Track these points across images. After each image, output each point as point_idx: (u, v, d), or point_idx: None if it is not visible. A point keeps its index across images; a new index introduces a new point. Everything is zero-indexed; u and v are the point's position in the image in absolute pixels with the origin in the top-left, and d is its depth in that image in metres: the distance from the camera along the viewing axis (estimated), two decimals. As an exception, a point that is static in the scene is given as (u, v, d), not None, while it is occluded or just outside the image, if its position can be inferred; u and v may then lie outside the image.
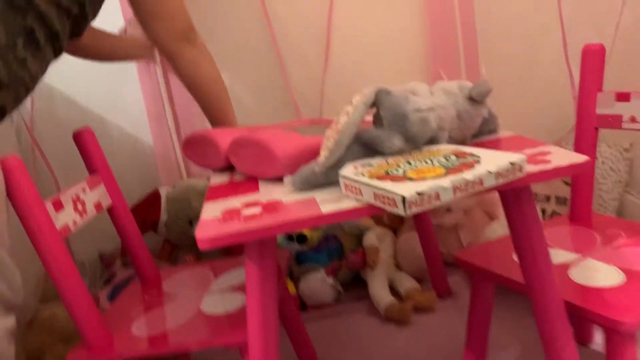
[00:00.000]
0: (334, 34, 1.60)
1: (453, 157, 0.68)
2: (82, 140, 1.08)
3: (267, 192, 0.76)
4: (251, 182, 0.84)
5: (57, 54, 0.94)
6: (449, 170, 0.63)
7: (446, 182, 0.60)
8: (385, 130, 0.75)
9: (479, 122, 0.86)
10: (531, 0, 1.62)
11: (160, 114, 1.58)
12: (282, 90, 1.62)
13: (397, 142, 0.73)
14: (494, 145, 0.84)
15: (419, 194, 0.58)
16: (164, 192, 1.56)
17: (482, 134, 0.89)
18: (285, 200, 0.70)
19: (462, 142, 0.84)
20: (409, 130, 0.74)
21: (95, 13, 1.00)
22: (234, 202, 0.74)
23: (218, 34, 1.52)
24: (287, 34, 1.59)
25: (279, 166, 0.79)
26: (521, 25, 1.63)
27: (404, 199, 0.57)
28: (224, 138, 0.93)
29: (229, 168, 0.95)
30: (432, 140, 0.78)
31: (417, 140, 0.75)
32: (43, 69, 0.90)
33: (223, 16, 1.53)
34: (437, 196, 0.59)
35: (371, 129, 0.76)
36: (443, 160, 0.68)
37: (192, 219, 1.49)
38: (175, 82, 1.56)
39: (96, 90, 1.57)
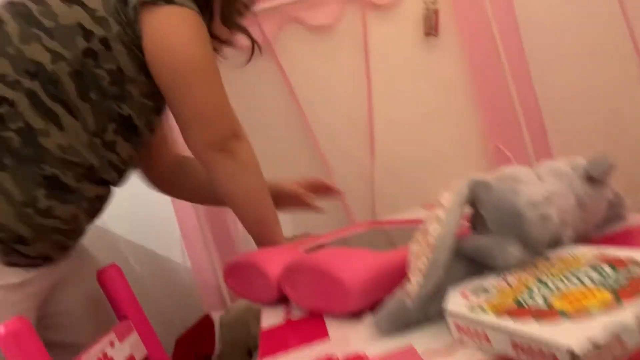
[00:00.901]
0: (377, 121, 1.47)
1: (607, 268, 0.47)
2: (108, 281, 0.91)
3: (342, 339, 0.56)
4: (316, 322, 0.64)
5: (107, 183, 0.88)
6: (619, 292, 0.42)
7: (627, 317, 0.38)
8: (493, 236, 0.55)
9: (604, 208, 0.66)
10: (598, 49, 1.44)
11: (195, 231, 1.43)
12: (328, 190, 1.45)
13: (514, 251, 0.53)
14: (635, 238, 0.62)
15: (594, 344, 0.37)
16: (216, 317, 1.36)
17: (608, 222, 0.68)
18: (371, 352, 0.50)
19: (586, 237, 0.64)
20: (526, 234, 0.54)
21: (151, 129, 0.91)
22: (300, 358, 0.54)
23: (252, 138, 1.39)
24: (326, 128, 1.45)
25: (350, 299, 0.59)
26: (590, 79, 1.45)
27: (572, 354, 0.36)
28: (273, 264, 0.75)
29: (283, 299, 0.76)
30: (555, 241, 0.58)
31: (538, 246, 0.55)
32: (89, 205, 0.85)
33: (257, 117, 1.41)
34: (620, 342, 0.38)
35: (473, 236, 0.57)
36: (595, 274, 0.47)
37: (252, 348, 1.28)
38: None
39: (122, 212, 1.43)
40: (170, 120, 1.03)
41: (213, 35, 0.92)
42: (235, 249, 1.42)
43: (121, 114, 0.84)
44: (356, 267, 0.61)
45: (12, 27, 0.78)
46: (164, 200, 1.42)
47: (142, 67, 0.84)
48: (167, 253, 1.49)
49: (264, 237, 1.00)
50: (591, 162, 0.64)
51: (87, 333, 0.90)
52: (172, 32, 0.83)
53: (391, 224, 0.99)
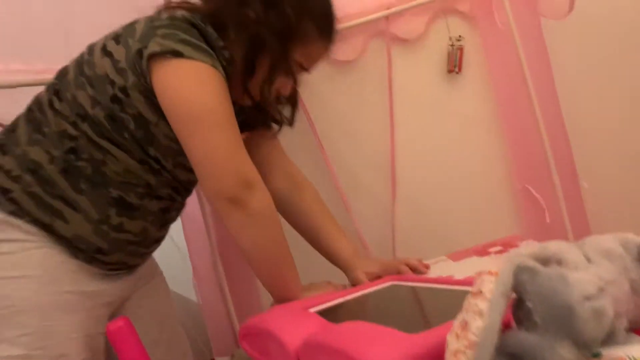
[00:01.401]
0: (399, 159, 1.41)
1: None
2: (118, 336, 0.87)
3: None
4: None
5: (168, 197, 0.97)
6: None
7: None
8: (541, 333, 0.50)
9: (660, 291, 0.60)
10: (633, 90, 1.38)
11: (208, 270, 1.38)
12: (347, 228, 1.39)
13: (565, 353, 0.48)
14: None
15: None
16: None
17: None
18: None
19: (637, 325, 0.58)
20: (579, 331, 0.49)
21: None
22: None
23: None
24: (346, 164, 1.40)
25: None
26: (624, 120, 1.38)
27: None
28: (291, 332, 0.70)
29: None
30: (608, 335, 0.52)
31: (592, 344, 0.50)
32: (155, 218, 0.95)
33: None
34: None
35: (518, 332, 0.51)
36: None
37: (255, 397, 1.23)
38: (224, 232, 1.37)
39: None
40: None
41: (247, 91, 0.95)
42: (252, 293, 1.37)
43: (149, 154, 0.90)
44: (384, 350, 0.56)
45: (71, 75, 0.90)
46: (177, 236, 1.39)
47: (161, 113, 0.87)
48: (178, 290, 1.45)
49: (278, 291, 0.96)
50: (646, 242, 0.58)
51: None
52: (175, 83, 0.84)
53: (414, 281, 0.94)
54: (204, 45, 0.85)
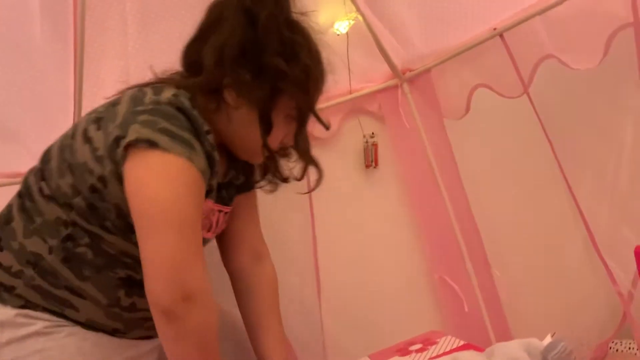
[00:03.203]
0: (321, 258, 1.42)
1: None
2: None
3: None
4: None
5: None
6: None
7: None
8: None
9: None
10: (536, 189, 1.49)
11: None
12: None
13: None
14: None
15: None
16: None
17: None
18: None
19: None
20: None
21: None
22: None
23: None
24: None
25: None
26: (527, 209, 1.49)
27: None
28: None
29: None
30: None
31: None
32: None
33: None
34: None
35: None
36: None
37: None
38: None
39: None
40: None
41: (266, 146, 0.91)
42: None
43: (134, 241, 0.80)
44: None
45: (54, 161, 0.87)
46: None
47: None
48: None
49: None
50: (548, 347, 0.61)
51: None
52: (138, 177, 0.79)
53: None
54: (186, 134, 0.80)
